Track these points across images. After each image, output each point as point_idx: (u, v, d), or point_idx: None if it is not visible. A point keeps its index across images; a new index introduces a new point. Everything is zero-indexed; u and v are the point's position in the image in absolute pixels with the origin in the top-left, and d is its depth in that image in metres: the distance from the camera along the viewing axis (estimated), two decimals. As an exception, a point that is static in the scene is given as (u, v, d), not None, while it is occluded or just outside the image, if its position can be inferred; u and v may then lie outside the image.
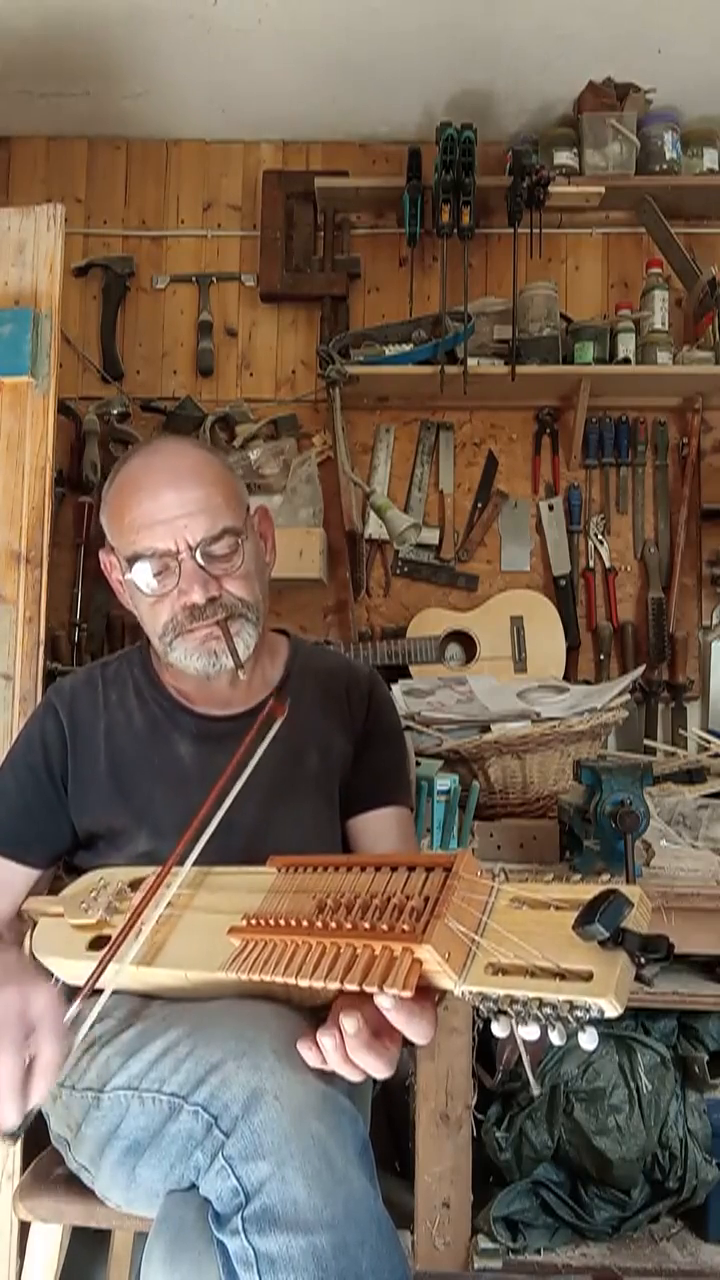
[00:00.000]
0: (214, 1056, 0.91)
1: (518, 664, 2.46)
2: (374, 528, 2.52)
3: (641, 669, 2.24)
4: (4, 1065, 0.85)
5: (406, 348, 2.43)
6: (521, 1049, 0.73)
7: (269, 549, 1.28)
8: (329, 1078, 0.89)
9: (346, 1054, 0.84)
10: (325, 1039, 0.85)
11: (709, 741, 2.17)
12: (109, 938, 1.00)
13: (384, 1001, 0.79)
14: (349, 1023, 0.82)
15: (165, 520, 1.13)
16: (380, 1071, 0.84)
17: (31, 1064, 0.86)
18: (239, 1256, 0.82)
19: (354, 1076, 0.86)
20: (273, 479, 2.46)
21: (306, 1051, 0.87)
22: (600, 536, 2.56)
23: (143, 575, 1.15)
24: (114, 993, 0.97)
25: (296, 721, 1.22)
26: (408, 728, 1.93)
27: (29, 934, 1.17)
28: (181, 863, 1.04)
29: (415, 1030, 0.82)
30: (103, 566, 1.25)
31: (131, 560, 1.15)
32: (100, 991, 0.96)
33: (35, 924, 1.16)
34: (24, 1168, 1.48)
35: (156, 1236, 0.89)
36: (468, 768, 1.92)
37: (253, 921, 0.91)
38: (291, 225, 2.62)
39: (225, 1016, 0.96)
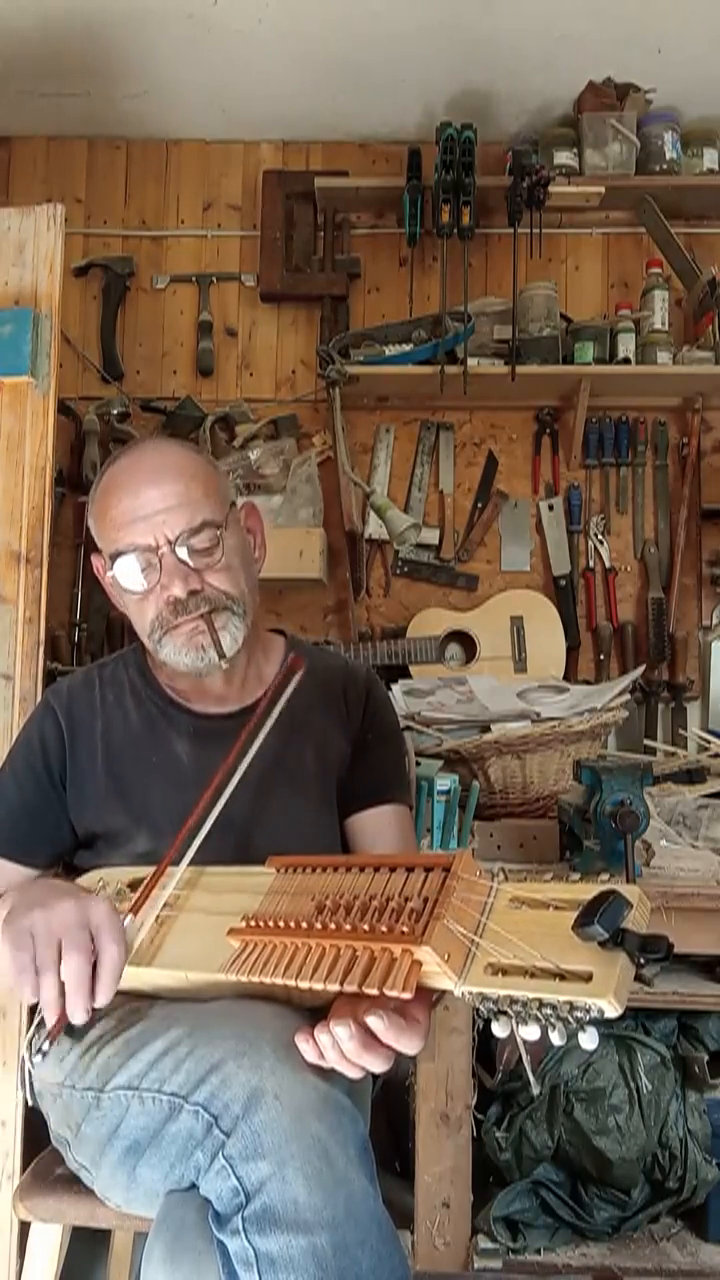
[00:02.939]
0: (214, 1056, 0.91)
1: (518, 664, 2.46)
2: (374, 528, 2.52)
3: (641, 669, 2.24)
4: (73, 965, 0.89)
5: (406, 348, 2.43)
6: (521, 1049, 0.74)
7: (258, 544, 1.28)
8: (329, 1077, 0.89)
9: (343, 1053, 0.84)
10: (323, 1036, 0.85)
11: (709, 741, 2.17)
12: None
13: (375, 1024, 0.81)
14: (341, 1030, 0.83)
15: (145, 516, 1.14)
16: (378, 1067, 0.85)
17: (96, 966, 0.90)
18: (239, 1256, 0.82)
19: (352, 1073, 0.86)
20: (273, 479, 2.46)
21: (304, 1044, 0.87)
22: (600, 536, 2.56)
23: (125, 572, 1.15)
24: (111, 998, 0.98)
25: (293, 720, 1.22)
26: (407, 728, 1.93)
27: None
28: (203, 820, 1.05)
29: (404, 1044, 0.83)
30: (95, 571, 1.26)
31: (114, 558, 1.16)
32: None
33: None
34: (24, 1168, 1.48)
35: (156, 1236, 0.89)
36: (468, 768, 1.92)
37: (252, 923, 0.91)
38: (291, 225, 2.62)
39: (225, 1016, 0.96)
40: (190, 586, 1.14)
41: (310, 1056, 0.87)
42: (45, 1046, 0.91)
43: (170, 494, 1.14)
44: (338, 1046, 0.84)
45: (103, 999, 0.90)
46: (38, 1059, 0.93)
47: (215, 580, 1.16)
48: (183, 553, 1.14)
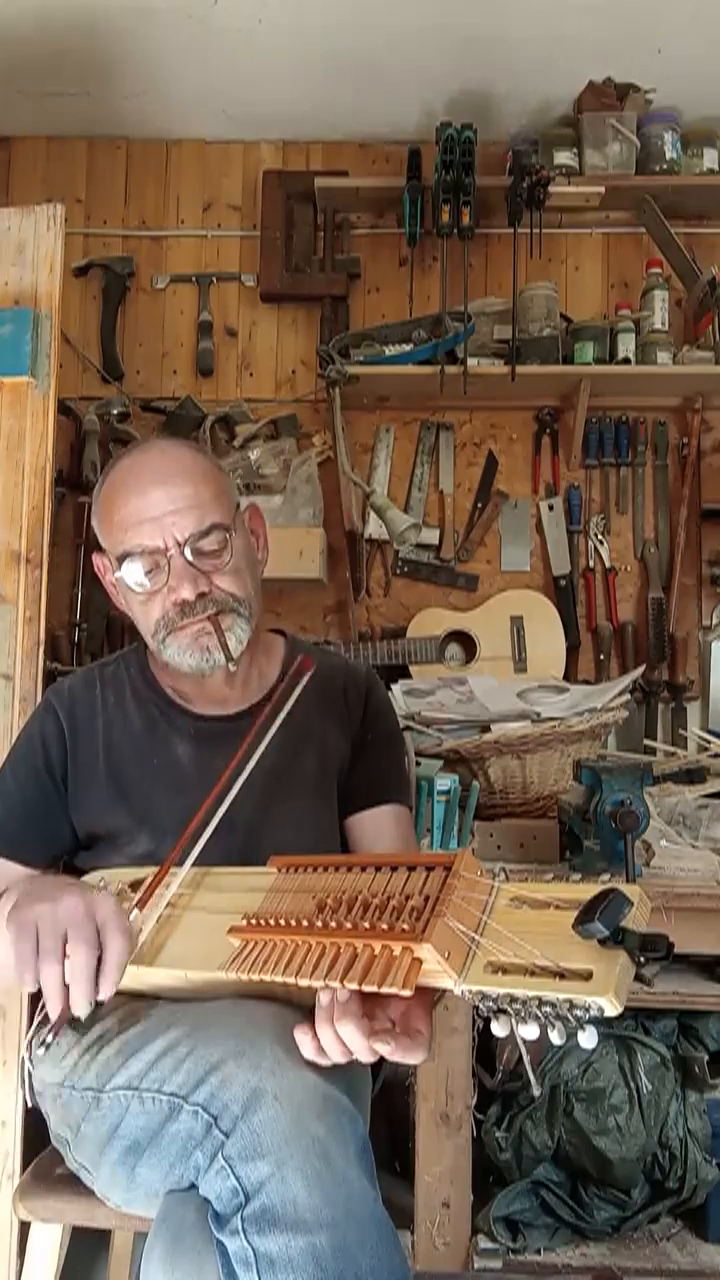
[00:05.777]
0: (214, 1056, 0.91)
1: (518, 664, 2.46)
2: (374, 528, 2.52)
3: (641, 669, 2.24)
4: (79, 957, 0.90)
5: (406, 348, 2.42)
6: (522, 1048, 0.74)
7: (261, 546, 1.28)
8: (329, 1077, 0.89)
9: (333, 1020, 0.84)
10: (326, 1032, 0.85)
11: (709, 741, 2.17)
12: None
13: (382, 1049, 0.82)
14: (342, 992, 0.83)
15: (153, 518, 1.14)
16: (363, 1054, 0.85)
17: (101, 959, 0.91)
18: (238, 1256, 0.82)
19: (336, 1055, 0.86)
20: (273, 479, 2.46)
21: (302, 1037, 0.87)
22: (600, 536, 2.56)
23: (132, 573, 1.15)
24: (114, 993, 0.98)
25: (294, 721, 1.22)
26: (407, 728, 1.93)
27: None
28: (207, 821, 1.05)
29: (411, 1060, 0.85)
30: (96, 570, 1.25)
31: (121, 559, 1.16)
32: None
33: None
34: (24, 1168, 1.48)
35: (156, 1236, 0.89)
36: (468, 768, 1.92)
37: (253, 921, 0.91)
38: (291, 225, 2.62)
39: (225, 1016, 0.96)
40: (199, 589, 1.14)
41: (307, 1051, 0.87)
42: (49, 1039, 0.91)
43: (179, 496, 1.14)
44: (342, 1045, 0.84)
45: (106, 991, 0.91)
46: (39, 1053, 0.93)
47: (222, 582, 1.16)
48: (191, 555, 1.14)
